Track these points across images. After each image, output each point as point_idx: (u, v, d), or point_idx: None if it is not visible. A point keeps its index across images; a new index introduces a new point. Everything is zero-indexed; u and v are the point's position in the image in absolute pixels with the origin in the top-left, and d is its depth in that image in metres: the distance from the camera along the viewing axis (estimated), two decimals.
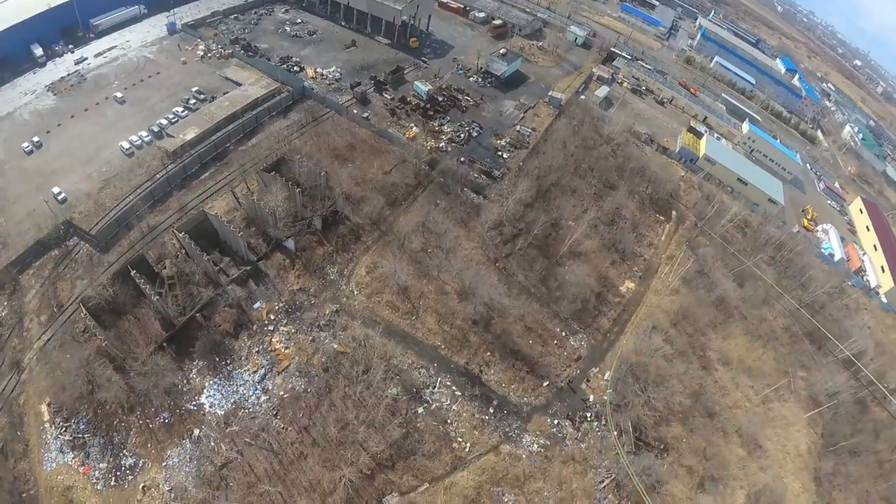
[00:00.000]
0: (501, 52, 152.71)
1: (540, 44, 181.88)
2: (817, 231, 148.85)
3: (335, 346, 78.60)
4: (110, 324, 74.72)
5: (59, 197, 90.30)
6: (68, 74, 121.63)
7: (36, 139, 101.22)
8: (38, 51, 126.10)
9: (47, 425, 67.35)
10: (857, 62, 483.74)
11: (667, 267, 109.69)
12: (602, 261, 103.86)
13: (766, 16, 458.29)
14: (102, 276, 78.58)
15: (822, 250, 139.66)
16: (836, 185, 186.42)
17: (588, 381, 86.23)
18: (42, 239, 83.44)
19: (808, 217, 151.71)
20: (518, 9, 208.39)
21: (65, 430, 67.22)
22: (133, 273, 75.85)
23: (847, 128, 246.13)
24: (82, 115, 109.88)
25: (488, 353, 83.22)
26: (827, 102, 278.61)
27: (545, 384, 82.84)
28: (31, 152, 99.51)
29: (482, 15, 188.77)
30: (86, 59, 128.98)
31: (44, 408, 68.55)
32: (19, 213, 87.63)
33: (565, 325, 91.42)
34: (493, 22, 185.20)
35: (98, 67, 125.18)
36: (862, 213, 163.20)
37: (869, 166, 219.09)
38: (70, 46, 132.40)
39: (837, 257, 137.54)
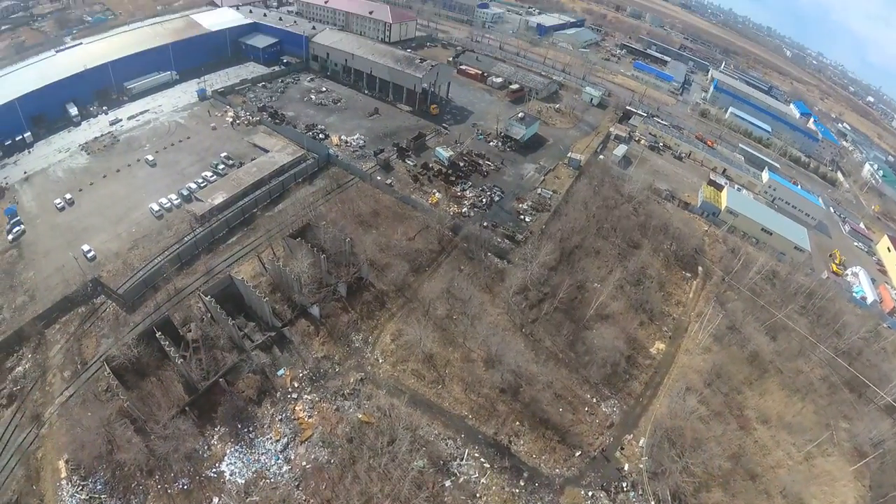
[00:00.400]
0: (519, 115, 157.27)
1: (557, 106, 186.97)
2: (847, 275, 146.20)
3: (360, 416, 77.79)
4: (133, 384, 74.98)
5: (89, 254, 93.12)
6: (102, 135, 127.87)
7: (68, 196, 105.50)
8: (74, 110, 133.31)
9: (64, 482, 66.71)
10: (870, 98, 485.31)
11: (697, 325, 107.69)
12: (630, 322, 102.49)
13: (776, 62, 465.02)
14: (127, 336, 79.57)
15: (854, 294, 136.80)
16: (862, 225, 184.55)
17: (622, 448, 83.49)
18: (70, 295, 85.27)
19: (837, 261, 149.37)
20: (534, 73, 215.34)
21: (81, 489, 66.43)
22: (158, 334, 76.78)
23: (866, 166, 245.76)
24: (114, 175, 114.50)
25: (517, 423, 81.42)
26: (844, 143, 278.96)
27: (577, 454, 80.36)
28: (63, 209, 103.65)
29: (499, 80, 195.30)
30: (120, 120, 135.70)
31: (61, 464, 68.16)
32: (49, 268, 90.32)
33: (596, 390, 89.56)
34: (511, 87, 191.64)
35: (131, 130, 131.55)
36: (890, 251, 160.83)
37: (892, 203, 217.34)
38: (104, 108, 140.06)
39: (870, 300, 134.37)
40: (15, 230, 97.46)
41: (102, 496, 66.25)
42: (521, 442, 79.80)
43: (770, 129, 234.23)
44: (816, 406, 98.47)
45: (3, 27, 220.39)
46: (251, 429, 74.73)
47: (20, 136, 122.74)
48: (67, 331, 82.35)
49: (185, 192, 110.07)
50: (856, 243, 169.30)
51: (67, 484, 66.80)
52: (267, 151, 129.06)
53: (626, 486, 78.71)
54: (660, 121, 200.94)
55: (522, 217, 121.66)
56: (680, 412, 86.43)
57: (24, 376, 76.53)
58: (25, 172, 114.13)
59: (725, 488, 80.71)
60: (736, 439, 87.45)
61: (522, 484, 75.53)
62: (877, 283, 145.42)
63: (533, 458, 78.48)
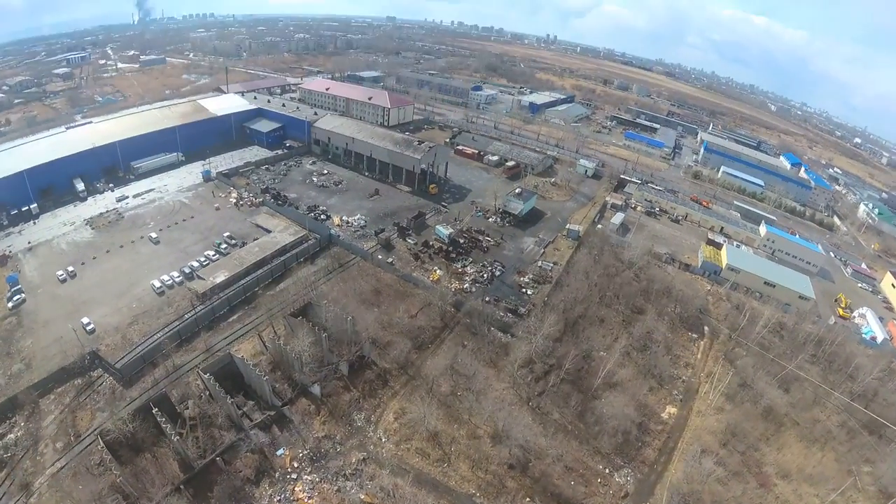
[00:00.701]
0: (517, 191, 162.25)
1: (553, 180, 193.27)
2: (854, 317, 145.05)
3: (362, 497, 75.72)
4: (127, 460, 73.93)
5: (88, 327, 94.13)
6: (107, 211, 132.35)
7: (71, 269, 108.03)
8: (80, 185, 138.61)
9: None
10: (858, 140, 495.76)
11: (707, 385, 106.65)
12: (639, 388, 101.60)
13: (762, 117, 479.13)
14: (123, 411, 78.79)
15: (864, 335, 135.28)
16: (864, 265, 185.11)
17: None
18: (67, 366, 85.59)
19: (843, 305, 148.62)
20: (529, 149, 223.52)
21: None
22: (155, 411, 76.63)
23: (861, 207, 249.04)
24: (117, 251, 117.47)
25: (528, 499, 79.35)
26: (837, 187, 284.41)
27: None
28: (64, 280, 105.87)
29: (496, 158, 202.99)
30: (126, 197, 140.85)
31: None
32: (47, 338, 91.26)
33: (608, 460, 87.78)
34: (507, 164, 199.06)
35: (136, 207, 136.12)
36: (895, 287, 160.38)
37: (891, 239, 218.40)
38: (111, 185, 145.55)
39: (880, 339, 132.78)
40: (15, 298, 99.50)
41: None
42: None
43: (763, 184, 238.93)
44: (837, 453, 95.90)
45: (16, 101, 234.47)
46: None
47: (27, 207, 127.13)
48: (62, 402, 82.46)
49: (188, 270, 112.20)
50: (860, 284, 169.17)
51: None
52: (269, 231, 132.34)
53: None
54: (654, 186, 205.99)
55: (524, 290, 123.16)
56: (696, 476, 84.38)
57: (16, 444, 75.85)
58: (30, 242, 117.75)
59: None
60: (757, 498, 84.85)
61: None
62: (885, 320, 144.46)
63: None
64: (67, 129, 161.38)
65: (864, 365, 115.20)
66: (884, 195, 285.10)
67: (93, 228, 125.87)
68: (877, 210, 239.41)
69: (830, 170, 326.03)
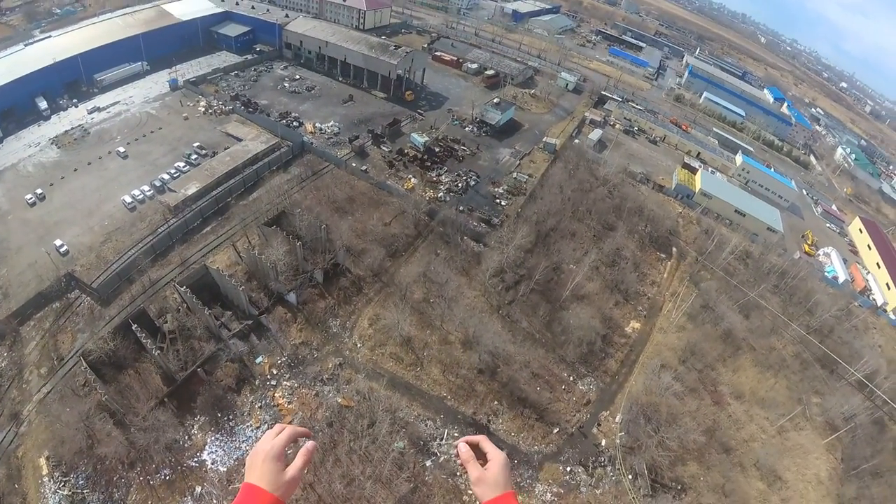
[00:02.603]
0: (495, 101, 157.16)
1: (532, 91, 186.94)
2: (819, 255, 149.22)
3: (339, 400, 77.96)
4: (111, 378, 74.17)
5: (62, 249, 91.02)
6: (72, 128, 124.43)
7: (39, 191, 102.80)
8: (43, 104, 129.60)
9: (46, 479, 66.00)
10: (844, 84, 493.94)
11: (671, 304, 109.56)
12: (606, 302, 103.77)
13: (751, 48, 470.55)
14: (103, 330, 78.34)
15: (826, 274, 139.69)
16: (834, 207, 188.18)
17: (599, 425, 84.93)
18: (43, 291, 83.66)
19: (809, 242, 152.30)
20: (509, 59, 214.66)
21: (63, 485, 65.84)
22: (134, 327, 76.02)
23: (839, 150, 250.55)
24: (85, 168, 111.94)
25: (495, 402, 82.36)
26: (817, 127, 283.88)
27: (555, 431, 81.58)
28: (34, 204, 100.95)
29: (475, 66, 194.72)
30: (100, 107, 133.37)
31: (42, 461, 67.38)
32: (21, 265, 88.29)
33: (572, 369, 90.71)
34: (486, 72, 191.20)
35: (101, 122, 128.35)
36: (862, 232, 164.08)
37: (864, 185, 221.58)
38: (74, 101, 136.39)
39: (842, 279, 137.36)
40: None
41: (85, 491, 65.78)
42: (500, 421, 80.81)
43: (744, 114, 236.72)
44: (789, 382, 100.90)
45: None
46: (231, 417, 74.54)
47: None
48: (42, 327, 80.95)
49: (158, 184, 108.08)
50: (828, 225, 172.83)
51: (49, 481, 66.09)
52: (240, 140, 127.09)
53: (604, 461, 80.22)
54: (635, 105, 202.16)
55: (498, 201, 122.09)
56: (655, 389, 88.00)
57: (1, 374, 75.29)
58: None
59: (700, 461, 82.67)
60: (710, 414, 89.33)
61: None
62: (848, 263, 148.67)
63: (511, 436, 79.54)
64: (26, 45, 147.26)
65: (823, 302, 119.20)
66: (862, 142, 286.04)
67: (59, 147, 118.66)
68: (854, 155, 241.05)
69: (813, 109, 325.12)
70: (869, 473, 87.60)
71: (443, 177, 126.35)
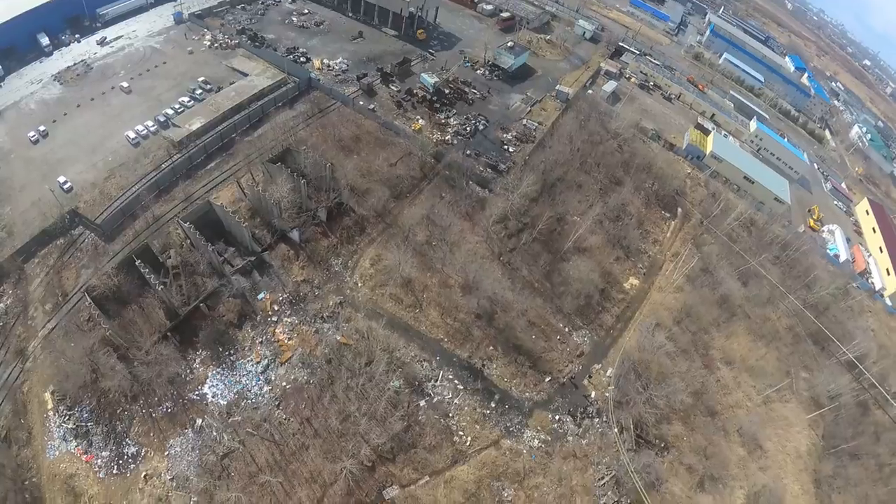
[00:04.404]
0: (509, 45, 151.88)
1: (548, 37, 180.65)
2: (823, 231, 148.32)
3: (338, 338, 78.64)
4: (114, 313, 74.77)
5: (65, 186, 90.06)
6: (74, 64, 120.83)
7: (42, 128, 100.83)
8: (45, 40, 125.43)
9: (51, 413, 67.51)
10: (867, 62, 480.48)
11: (671, 264, 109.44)
12: (606, 257, 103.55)
13: (776, 13, 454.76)
14: (107, 266, 78.64)
15: (828, 251, 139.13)
16: (843, 185, 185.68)
17: (590, 377, 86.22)
18: (47, 228, 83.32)
19: (815, 217, 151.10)
20: (527, 2, 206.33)
21: (68, 419, 67.43)
22: (138, 263, 75.99)
23: (855, 128, 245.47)
24: (88, 104, 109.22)
25: (491, 348, 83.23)
26: (835, 102, 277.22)
27: (547, 380, 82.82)
28: (36, 141, 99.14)
29: (490, 7, 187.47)
30: (108, 39, 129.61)
31: (47, 396, 68.72)
32: (25, 202, 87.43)
33: (568, 320, 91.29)
34: (501, 14, 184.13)
35: (104, 57, 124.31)
36: (868, 214, 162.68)
37: (876, 167, 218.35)
38: (77, 36, 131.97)
39: (843, 258, 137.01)
40: None
41: (89, 424, 67.22)
42: (494, 366, 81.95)
43: (763, 80, 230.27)
44: (780, 353, 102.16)
45: None
46: (232, 352, 75.58)
47: None
48: (47, 264, 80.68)
49: (162, 119, 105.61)
50: (835, 202, 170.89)
51: (54, 415, 67.44)
52: (246, 75, 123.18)
53: (592, 413, 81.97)
54: (652, 60, 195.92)
55: (506, 147, 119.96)
56: (648, 346, 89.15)
57: (6, 312, 75.42)
58: None
59: (685, 422, 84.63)
60: (699, 377, 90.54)
61: (493, 405, 78.12)
62: (851, 242, 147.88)
63: (504, 382, 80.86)
64: None
65: (822, 278, 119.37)
66: (879, 123, 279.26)
67: (61, 84, 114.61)
68: (869, 135, 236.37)
69: (833, 83, 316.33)
70: (847, 454, 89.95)
71: (451, 119, 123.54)
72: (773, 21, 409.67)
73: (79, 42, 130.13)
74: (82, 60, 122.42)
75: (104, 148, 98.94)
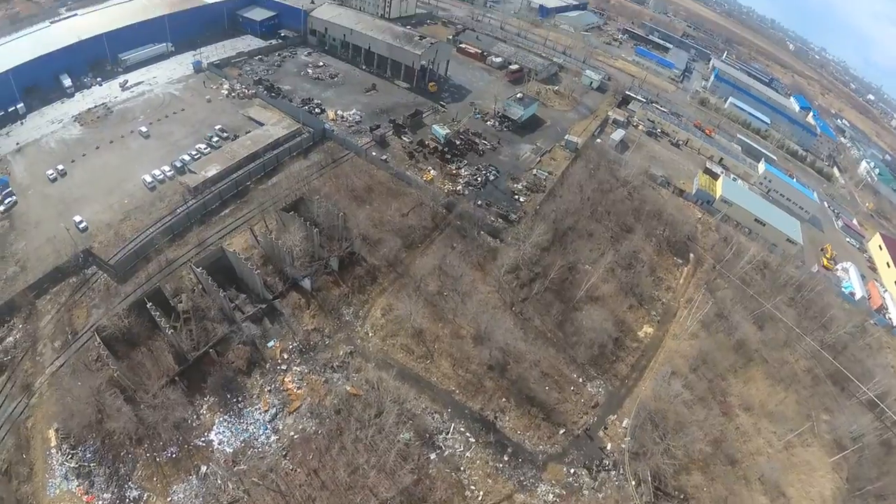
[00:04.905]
0: (518, 96, 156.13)
1: (556, 88, 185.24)
2: (837, 270, 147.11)
3: (348, 388, 78.39)
4: (123, 354, 75.14)
5: (81, 225, 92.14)
6: (95, 106, 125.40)
7: (60, 167, 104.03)
8: (67, 81, 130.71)
9: (54, 451, 67.12)
10: (871, 96, 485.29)
11: (685, 311, 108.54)
12: (619, 305, 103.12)
13: (779, 54, 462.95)
14: (118, 307, 79.26)
15: (843, 289, 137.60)
16: (855, 221, 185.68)
17: (605, 428, 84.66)
18: (61, 265, 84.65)
19: (828, 256, 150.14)
20: (534, 54, 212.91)
21: (71, 457, 66.93)
22: (149, 305, 76.91)
23: (863, 163, 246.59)
24: (107, 146, 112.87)
25: (503, 399, 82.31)
26: (842, 139, 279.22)
27: (561, 431, 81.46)
28: (55, 180, 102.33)
29: (499, 60, 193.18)
30: (129, 84, 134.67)
31: (51, 433, 68.47)
32: (40, 239, 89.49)
33: (582, 370, 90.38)
34: (510, 67, 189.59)
35: (124, 101, 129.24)
36: (882, 249, 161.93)
37: (887, 201, 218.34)
38: (98, 79, 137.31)
39: (858, 296, 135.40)
40: (6, 201, 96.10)
41: (91, 464, 66.70)
42: (507, 418, 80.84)
43: (769, 121, 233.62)
44: (799, 396, 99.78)
45: None
46: (240, 399, 75.21)
47: (13, 108, 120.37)
48: (58, 301, 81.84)
49: (179, 164, 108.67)
50: (848, 239, 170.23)
51: (57, 452, 67.17)
52: (262, 125, 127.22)
53: (608, 465, 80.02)
54: (659, 107, 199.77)
55: (517, 197, 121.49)
56: (664, 395, 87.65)
57: (15, 346, 76.16)
58: (18, 143, 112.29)
59: (705, 472, 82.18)
60: (718, 425, 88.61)
61: (506, 459, 76.70)
62: (866, 279, 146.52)
63: (517, 434, 79.58)
64: (52, 23, 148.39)
65: (838, 317, 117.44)
66: (887, 157, 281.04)
67: (81, 125, 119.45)
68: (878, 170, 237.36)
69: (838, 120, 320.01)
70: (873, 496, 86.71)
71: (462, 170, 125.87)
72: (776, 63, 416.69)
73: (100, 85, 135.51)
74: (103, 103, 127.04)
75: (121, 190, 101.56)
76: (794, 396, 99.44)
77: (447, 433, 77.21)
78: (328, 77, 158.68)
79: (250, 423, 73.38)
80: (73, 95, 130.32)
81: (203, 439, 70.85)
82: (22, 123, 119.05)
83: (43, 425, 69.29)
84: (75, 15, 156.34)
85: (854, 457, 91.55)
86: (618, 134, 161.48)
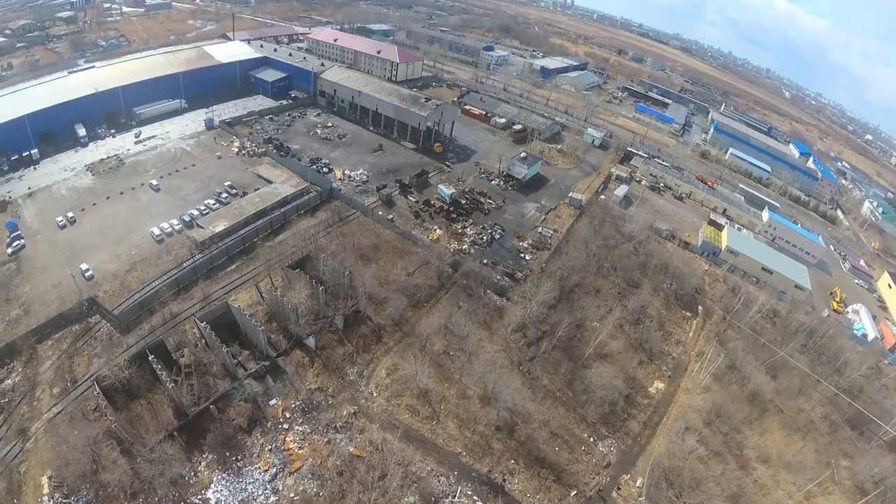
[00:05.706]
0: (522, 155, 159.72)
1: (559, 146, 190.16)
2: (848, 312, 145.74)
3: (351, 450, 76.95)
4: (122, 406, 74.66)
5: (87, 273, 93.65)
6: (108, 157, 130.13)
7: (70, 215, 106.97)
8: (82, 131, 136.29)
9: (46, 498, 65.56)
10: (869, 136, 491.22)
11: (696, 364, 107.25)
12: (629, 361, 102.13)
13: (775, 103, 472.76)
14: (120, 357, 79.27)
15: (855, 331, 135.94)
16: (862, 262, 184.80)
17: (619, 488, 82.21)
18: (64, 312, 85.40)
19: (837, 299, 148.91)
20: (537, 114, 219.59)
21: None
22: (151, 358, 77.04)
23: (866, 203, 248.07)
24: (117, 197, 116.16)
25: (512, 461, 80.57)
26: (843, 181, 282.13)
27: (573, 493, 79.11)
28: (64, 227, 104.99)
29: (503, 120, 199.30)
30: (142, 137, 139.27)
31: (44, 480, 67.11)
32: (45, 284, 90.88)
33: (593, 429, 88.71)
34: (514, 127, 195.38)
35: (137, 154, 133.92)
36: (891, 287, 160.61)
37: (892, 239, 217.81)
38: (112, 131, 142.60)
39: (871, 337, 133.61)
40: (14, 244, 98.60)
41: None
42: (516, 480, 78.76)
43: (770, 169, 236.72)
44: (817, 444, 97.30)
45: (18, 45, 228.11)
46: (240, 457, 74.01)
47: (27, 153, 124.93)
48: (60, 347, 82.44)
49: (187, 219, 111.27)
50: (856, 280, 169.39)
51: (49, 500, 65.75)
52: (270, 182, 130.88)
53: None
54: (661, 162, 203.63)
55: (523, 255, 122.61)
56: (679, 452, 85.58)
57: (13, 389, 76.20)
58: (30, 188, 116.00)
59: None
60: (735, 479, 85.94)
61: None
62: (878, 319, 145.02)
63: (527, 498, 77.31)
64: (70, 73, 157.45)
65: (852, 360, 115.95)
66: (889, 195, 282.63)
67: (93, 174, 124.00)
68: (881, 208, 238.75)
69: (839, 163, 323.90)
70: None
71: (468, 229, 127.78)
72: (774, 111, 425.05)
73: (114, 137, 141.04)
74: (116, 154, 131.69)
75: (128, 241, 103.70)
76: (813, 445, 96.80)
77: (454, 496, 75.29)
78: (336, 137, 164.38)
79: (249, 483, 71.77)
80: (87, 145, 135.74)
81: (200, 497, 69.27)
82: (35, 169, 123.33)
83: (36, 471, 68.15)
84: (93, 67, 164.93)
85: (876, 501, 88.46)
86: (621, 190, 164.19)
